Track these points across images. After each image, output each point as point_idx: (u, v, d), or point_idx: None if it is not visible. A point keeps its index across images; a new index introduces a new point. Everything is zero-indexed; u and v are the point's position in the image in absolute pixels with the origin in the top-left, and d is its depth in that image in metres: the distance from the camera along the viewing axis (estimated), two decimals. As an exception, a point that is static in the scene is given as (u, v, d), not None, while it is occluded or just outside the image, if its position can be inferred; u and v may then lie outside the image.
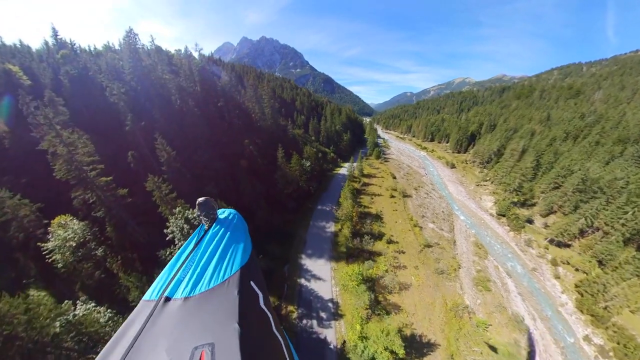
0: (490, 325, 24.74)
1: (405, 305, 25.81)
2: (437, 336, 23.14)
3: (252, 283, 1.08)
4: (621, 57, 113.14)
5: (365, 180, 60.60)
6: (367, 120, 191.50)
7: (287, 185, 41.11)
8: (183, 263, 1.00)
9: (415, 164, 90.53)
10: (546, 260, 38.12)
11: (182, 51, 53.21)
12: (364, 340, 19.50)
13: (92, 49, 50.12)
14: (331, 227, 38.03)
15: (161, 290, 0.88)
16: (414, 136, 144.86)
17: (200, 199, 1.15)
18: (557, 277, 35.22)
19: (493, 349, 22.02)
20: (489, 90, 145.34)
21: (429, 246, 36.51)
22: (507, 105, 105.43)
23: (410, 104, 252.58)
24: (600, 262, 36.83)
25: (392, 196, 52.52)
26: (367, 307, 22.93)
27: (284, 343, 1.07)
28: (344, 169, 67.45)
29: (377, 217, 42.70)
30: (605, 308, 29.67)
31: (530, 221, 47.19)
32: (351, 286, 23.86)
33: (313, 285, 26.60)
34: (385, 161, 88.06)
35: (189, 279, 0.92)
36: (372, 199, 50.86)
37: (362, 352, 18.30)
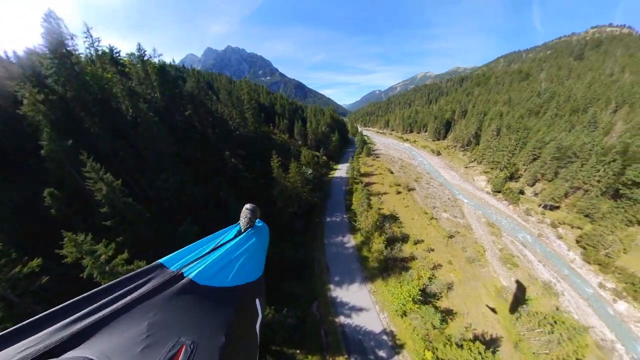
0: (532, 299, 26.70)
1: (456, 306, 24.64)
2: (496, 328, 22.97)
3: (257, 300, 1.07)
4: (550, 43, 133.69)
5: (366, 179, 57.94)
6: (344, 119, 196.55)
7: (289, 202, 33.87)
8: (211, 251, 0.98)
9: (405, 156, 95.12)
10: (546, 225, 43.12)
11: (136, 53, 36.72)
12: None
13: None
14: (350, 241, 33.22)
15: (181, 266, 0.86)
16: (393, 130, 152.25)
17: (250, 206, 1.16)
18: (560, 237, 40.09)
19: (551, 324, 21.15)
20: (450, 81, 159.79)
21: (451, 237, 36.98)
22: (470, 93, 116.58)
23: (380, 100, 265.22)
24: (587, 216, 42.79)
25: (399, 192, 51.76)
26: (435, 327, 20.00)
27: None
28: (339, 171, 66.10)
29: (394, 218, 40.21)
30: (606, 255, 34.58)
31: (521, 192, 52.85)
32: (409, 309, 21.17)
33: (356, 319, 22.00)
34: (377, 157, 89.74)
35: (205, 268, 0.89)
36: (380, 198, 48.44)
37: None
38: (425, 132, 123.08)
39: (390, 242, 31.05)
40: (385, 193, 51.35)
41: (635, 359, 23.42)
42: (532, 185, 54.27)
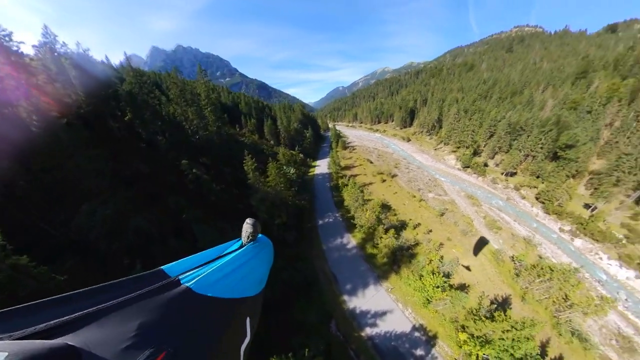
0: (522, 255, 30.26)
1: (467, 279, 25.69)
2: (503, 289, 25.08)
3: (247, 319, 1.04)
4: (485, 40, 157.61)
5: (348, 172, 56.92)
6: (315, 115, 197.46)
7: (274, 211, 28.28)
8: (211, 261, 0.97)
9: (379, 145, 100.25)
10: (511, 189, 50.63)
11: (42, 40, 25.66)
12: (483, 345, 16.17)
13: None
14: (350, 241, 31.00)
15: (179, 273, 0.87)
16: (361, 122, 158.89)
17: (250, 220, 1.12)
18: (523, 197, 47.56)
19: (549, 272, 23.44)
20: (408, 74, 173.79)
21: (442, 214, 38.95)
22: (427, 83, 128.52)
23: (345, 96, 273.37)
24: (538, 177, 51.61)
25: (384, 180, 52.22)
26: (465, 308, 19.57)
27: None
28: (319, 168, 64.10)
29: (387, 207, 40.07)
30: (559, 205, 42.37)
31: (486, 165, 60.86)
32: (438, 298, 20.41)
33: (383, 326, 19.96)
34: (353, 149, 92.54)
35: (203, 277, 0.88)
36: (368, 189, 48.03)
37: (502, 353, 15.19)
38: (392, 121, 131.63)
39: (390, 230, 29.34)
40: (371, 183, 51.47)
41: (599, 279, 29.54)
42: (493, 157, 62.91)
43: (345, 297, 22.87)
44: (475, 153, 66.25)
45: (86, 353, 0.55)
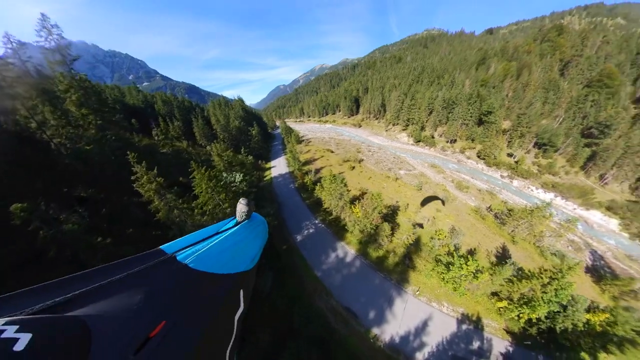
0: (494, 206, 35.47)
1: (469, 242, 26.65)
2: (498, 240, 27.35)
3: (241, 291, 1.10)
4: (405, 39, 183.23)
5: (311, 167, 51.36)
6: (260, 112, 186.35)
7: None
8: (207, 238, 1.03)
9: (333, 134, 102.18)
10: (458, 153, 59.57)
11: None
12: (527, 305, 16.65)
13: None
14: (348, 251, 24.71)
15: (176, 249, 0.92)
16: (309, 116, 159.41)
17: (244, 200, 1.18)
18: (469, 158, 56.70)
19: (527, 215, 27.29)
20: (345, 68, 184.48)
21: (420, 188, 39.56)
22: (365, 74, 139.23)
23: (287, 94, 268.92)
24: (473, 140, 62.53)
25: (353, 167, 49.36)
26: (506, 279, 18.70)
27: None
28: (275, 169, 55.43)
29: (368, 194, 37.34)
30: (494, 158, 52.21)
31: (432, 137, 69.88)
32: (479, 280, 18.69)
33: (430, 339, 17.01)
34: (309, 143, 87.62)
35: (199, 253, 0.94)
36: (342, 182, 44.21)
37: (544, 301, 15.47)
38: (340, 111, 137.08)
39: (388, 220, 26.13)
40: (340, 173, 45.67)
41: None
42: (436, 130, 72.85)
43: (376, 330, 17.47)
44: (422, 128, 75.29)
45: (94, 325, 0.58)
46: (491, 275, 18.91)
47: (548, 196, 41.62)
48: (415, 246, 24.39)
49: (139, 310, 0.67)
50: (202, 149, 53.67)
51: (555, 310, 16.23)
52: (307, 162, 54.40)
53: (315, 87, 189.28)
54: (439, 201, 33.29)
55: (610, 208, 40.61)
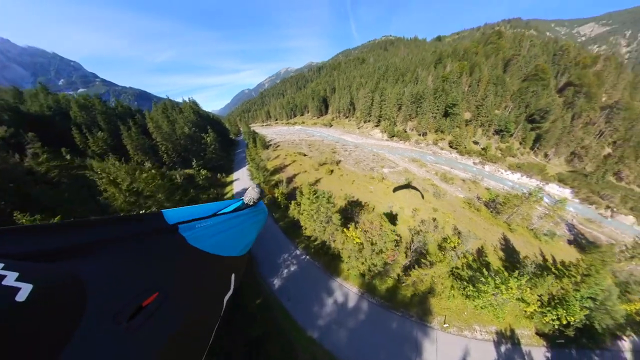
0: (483, 195, 36.04)
1: (477, 242, 25.73)
2: (496, 230, 27.46)
3: (232, 275, 1.12)
4: (366, 44, 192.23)
5: (282, 176, 43.32)
6: (220, 118, 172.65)
7: None
8: (208, 216, 1.02)
9: (303, 136, 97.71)
10: (432, 145, 61.38)
11: None
12: (561, 305, 15.90)
13: None
14: (349, 289, 19.27)
15: (177, 221, 0.90)
16: (276, 119, 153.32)
17: (258, 187, 1.20)
18: (442, 148, 58.71)
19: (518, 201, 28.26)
20: (311, 70, 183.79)
21: (408, 187, 37.19)
22: (331, 75, 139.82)
23: (253, 98, 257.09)
24: (442, 131, 65.42)
25: (331, 171, 43.22)
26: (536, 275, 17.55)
27: (207, 346, 0.99)
28: (239, 182, 45.38)
29: (357, 204, 30.66)
30: (465, 147, 54.77)
31: (405, 131, 71.43)
32: (511, 295, 16.18)
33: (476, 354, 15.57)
34: (277, 147, 72.82)
35: (198, 230, 0.93)
36: (318, 186, 37.29)
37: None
38: (308, 112, 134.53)
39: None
40: (318, 179, 40.13)
41: (510, 186, 39.42)
42: (407, 124, 74.87)
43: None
44: (395, 124, 76.68)
45: (88, 283, 0.55)
46: (530, 288, 16.81)
47: (515, 176, 44.75)
48: (431, 264, 19.42)
49: (133, 276, 0.65)
50: (138, 164, 36.59)
51: (590, 307, 15.22)
52: (277, 170, 45.79)
53: (282, 89, 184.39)
54: (429, 196, 32.03)
55: (561, 180, 45.75)
